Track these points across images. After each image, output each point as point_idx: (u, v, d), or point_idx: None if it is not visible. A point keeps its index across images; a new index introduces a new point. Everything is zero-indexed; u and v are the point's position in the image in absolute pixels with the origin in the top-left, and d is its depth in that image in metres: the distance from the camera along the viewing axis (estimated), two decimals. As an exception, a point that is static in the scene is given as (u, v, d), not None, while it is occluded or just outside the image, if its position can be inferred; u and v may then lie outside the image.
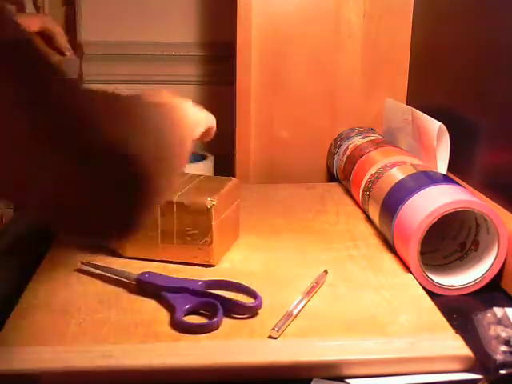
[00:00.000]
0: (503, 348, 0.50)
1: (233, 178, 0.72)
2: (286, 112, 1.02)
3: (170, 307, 0.56)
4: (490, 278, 0.63)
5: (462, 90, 0.82)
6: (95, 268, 0.63)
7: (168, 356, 0.48)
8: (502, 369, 0.49)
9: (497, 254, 0.62)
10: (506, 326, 0.52)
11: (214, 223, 0.64)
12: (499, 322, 0.53)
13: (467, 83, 0.80)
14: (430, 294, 0.61)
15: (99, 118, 0.36)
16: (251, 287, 0.58)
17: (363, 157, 0.86)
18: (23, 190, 0.36)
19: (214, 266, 0.65)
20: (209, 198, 0.64)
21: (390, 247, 0.70)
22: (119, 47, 1.16)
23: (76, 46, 1.16)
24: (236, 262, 0.67)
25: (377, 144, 0.88)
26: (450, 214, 0.61)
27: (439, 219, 0.61)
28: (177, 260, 0.65)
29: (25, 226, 0.73)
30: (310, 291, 0.59)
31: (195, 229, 0.64)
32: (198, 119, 0.56)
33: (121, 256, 0.66)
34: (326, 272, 0.63)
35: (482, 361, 0.49)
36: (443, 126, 0.75)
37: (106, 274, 0.62)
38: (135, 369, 0.47)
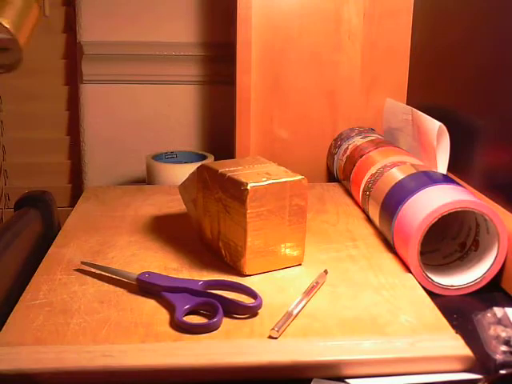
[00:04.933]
0: (503, 348, 0.50)
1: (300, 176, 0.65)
2: (285, 112, 1.02)
3: (170, 307, 0.56)
4: (490, 277, 0.63)
5: (462, 89, 0.82)
6: (95, 268, 0.63)
7: (168, 356, 0.48)
8: (501, 369, 0.49)
9: (497, 254, 0.62)
10: (506, 326, 0.52)
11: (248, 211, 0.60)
12: (499, 321, 0.53)
13: (467, 83, 0.80)
14: (430, 293, 0.61)
15: None
16: (251, 287, 0.58)
17: (363, 157, 0.86)
18: None
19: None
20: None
21: (390, 247, 0.70)
22: (119, 47, 1.16)
23: (76, 46, 1.16)
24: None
25: (377, 144, 0.88)
26: (450, 214, 0.61)
27: (439, 219, 0.61)
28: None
29: (25, 225, 0.73)
30: (310, 291, 0.59)
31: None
32: None
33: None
34: (326, 272, 0.63)
35: (482, 361, 0.49)
36: (443, 126, 0.75)
37: (106, 274, 0.62)
38: (135, 369, 0.47)
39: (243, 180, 0.61)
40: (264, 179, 0.62)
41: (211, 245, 0.69)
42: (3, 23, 0.61)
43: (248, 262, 0.62)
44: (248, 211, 0.61)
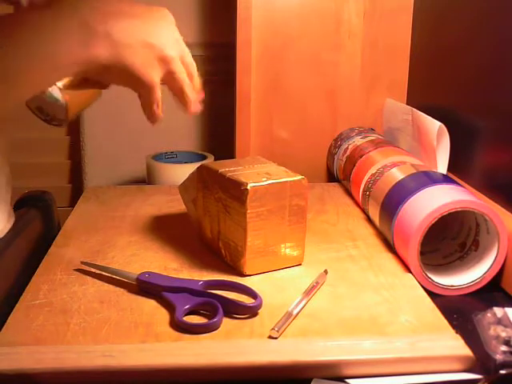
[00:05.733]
0: (503, 348, 0.50)
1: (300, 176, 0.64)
2: (285, 112, 1.02)
3: (170, 307, 0.56)
4: (490, 277, 0.63)
5: (462, 90, 0.82)
6: (95, 268, 0.63)
7: (168, 356, 0.48)
8: (501, 369, 0.49)
9: (497, 254, 0.62)
10: (505, 326, 0.52)
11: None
12: (499, 322, 0.53)
13: (467, 83, 0.80)
14: (430, 293, 0.61)
15: None
16: (251, 287, 0.58)
17: (363, 157, 0.86)
18: None
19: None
20: None
21: (390, 247, 0.70)
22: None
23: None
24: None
25: (377, 144, 0.88)
26: (450, 214, 0.61)
27: (439, 219, 0.61)
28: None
29: (25, 225, 0.73)
30: (310, 291, 0.59)
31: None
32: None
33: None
34: (325, 272, 0.63)
35: (482, 361, 0.49)
36: (443, 126, 0.75)
37: (106, 274, 0.62)
38: (135, 369, 0.47)
39: (243, 180, 0.61)
40: (264, 179, 0.62)
41: (211, 245, 0.69)
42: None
43: (248, 262, 0.62)
44: (248, 211, 0.61)
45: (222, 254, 0.66)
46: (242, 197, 0.60)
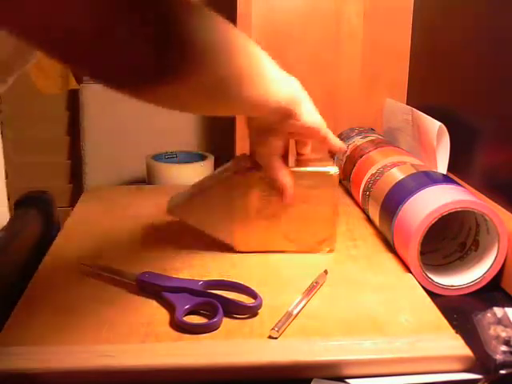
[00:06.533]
0: (503, 348, 0.50)
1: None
2: (285, 112, 1.02)
3: (170, 307, 0.56)
4: (490, 277, 0.63)
5: (462, 89, 0.82)
6: (95, 268, 0.63)
7: (168, 356, 0.48)
8: (502, 369, 0.49)
9: (497, 253, 0.62)
10: (506, 326, 0.52)
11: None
12: (499, 322, 0.53)
13: (467, 83, 0.80)
14: (430, 293, 0.61)
15: None
16: (251, 287, 0.58)
17: (363, 157, 0.86)
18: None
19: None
20: None
21: (390, 247, 0.70)
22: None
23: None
24: (236, 261, 0.67)
25: (377, 144, 0.88)
26: (450, 214, 0.61)
27: (439, 219, 0.61)
28: None
29: (25, 225, 0.73)
30: (310, 291, 0.59)
31: None
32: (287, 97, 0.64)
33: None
34: (325, 272, 0.63)
35: (482, 361, 0.49)
36: (443, 126, 0.75)
37: (106, 274, 0.62)
38: (135, 369, 0.47)
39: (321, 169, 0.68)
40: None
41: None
42: None
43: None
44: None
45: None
46: (329, 183, 0.67)
